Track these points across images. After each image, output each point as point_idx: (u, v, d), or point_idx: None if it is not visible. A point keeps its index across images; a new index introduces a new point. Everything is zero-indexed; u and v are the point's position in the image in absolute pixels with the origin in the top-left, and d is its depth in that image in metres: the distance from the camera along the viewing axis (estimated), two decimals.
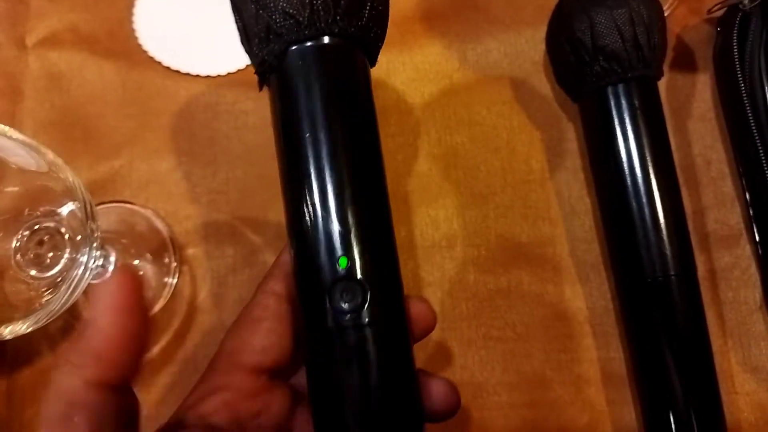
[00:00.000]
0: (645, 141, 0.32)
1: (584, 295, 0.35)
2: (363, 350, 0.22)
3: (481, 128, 0.37)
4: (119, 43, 0.40)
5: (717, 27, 0.37)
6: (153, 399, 0.35)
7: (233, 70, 0.38)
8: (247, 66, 0.39)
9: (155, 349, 0.35)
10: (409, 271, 0.36)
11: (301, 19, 0.23)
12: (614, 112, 0.32)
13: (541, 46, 0.37)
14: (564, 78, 0.35)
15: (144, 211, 0.37)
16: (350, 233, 0.22)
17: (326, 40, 0.24)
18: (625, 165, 0.32)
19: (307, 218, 0.23)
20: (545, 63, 0.38)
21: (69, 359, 0.19)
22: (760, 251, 0.34)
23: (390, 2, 0.40)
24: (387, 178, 0.36)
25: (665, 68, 0.37)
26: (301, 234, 0.23)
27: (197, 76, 0.39)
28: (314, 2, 0.23)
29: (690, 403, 0.31)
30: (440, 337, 0.35)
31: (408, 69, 0.38)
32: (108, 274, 0.35)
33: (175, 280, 0.36)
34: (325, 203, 0.23)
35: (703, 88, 0.37)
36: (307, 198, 0.23)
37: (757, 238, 0.35)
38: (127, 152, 0.38)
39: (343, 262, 0.22)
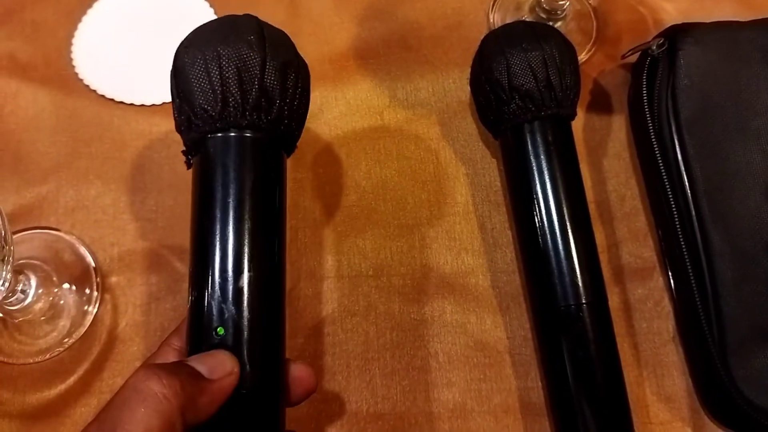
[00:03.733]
0: (557, 174, 0.33)
1: (504, 325, 0.35)
2: (233, 413, 0.24)
3: (409, 162, 0.38)
4: (56, 72, 0.40)
5: (631, 72, 0.40)
6: (68, 431, 0.33)
7: (168, 100, 0.39)
8: None
9: (72, 379, 0.34)
10: (335, 301, 0.36)
11: (214, 113, 0.26)
12: (529, 148, 0.34)
13: (467, 86, 0.39)
14: (485, 116, 0.36)
15: (68, 237, 0.36)
16: (238, 309, 0.25)
17: (236, 132, 0.26)
18: (540, 196, 0.33)
19: (200, 284, 0.25)
20: (470, 102, 0.39)
21: None
22: (672, 284, 0.36)
23: (325, 40, 0.42)
24: (317, 210, 0.37)
25: (583, 110, 0.39)
26: (195, 294, 0.25)
27: (131, 105, 0.39)
28: (226, 99, 0.26)
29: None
30: (364, 368, 0.35)
31: (340, 104, 0.40)
32: (28, 300, 0.35)
33: (96, 309, 0.35)
34: (218, 275, 0.25)
35: (618, 128, 0.39)
36: (203, 267, 0.25)
37: (669, 272, 0.36)
38: (55, 178, 0.38)
39: (220, 331, 0.25)
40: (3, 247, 0.28)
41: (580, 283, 0.32)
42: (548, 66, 0.34)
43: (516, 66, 0.34)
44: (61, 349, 0.34)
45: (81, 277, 0.36)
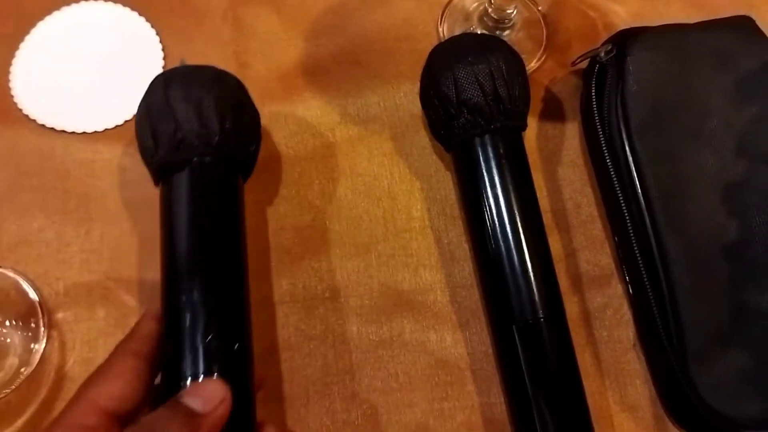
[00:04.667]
0: (510, 187, 0.33)
1: (464, 341, 0.35)
2: None
3: (363, 179, 0.38)
4: None
5: (582, 78, 0.40)
6: None
7: (111, 126, 0.38)
8: (126, 122, 0.38)
9: (20, 422, 0.33)
10: (291, 326, 0.35)
11: (178, 144, 0.29)
12: (481, 161, 0.33)
13: (418, 100, 0.38)
14: (436, 130, 0.36)
15: (11, 274, 0.35)
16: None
17: (199, 159, 0.30)
18: (493, 211, 0.33)
19: (174, 305, 0.28)
20: (422, 115, 0.39)
21: None
22: (630, 291, 0.36)
23: (273, 58, 0.41)
24: (269, 232, 0.37)
25: (536, 118, 0.39)
26: (169, 317, 0.28)
27: (73, 133, 0.38)
28: (190, 132, 0.29)
29: None
30: (323, 393, 0.34)
31: (290, 122, 0.39)
32: None
33: (43, 347, 0.34)
34: (188, 299, 0.27)
35: (571, 135, 0.39)
36: (174, 289, 0.28)
37: (627, 279, 0.36)
38: None
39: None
40: None
41: (537, 298, 0.32)
42: (495, 78, 0.33)
43: (463, 79, 0.33)
44: (8, 390, 0.33)
45: (26, 313, 0.35)
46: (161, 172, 0.30)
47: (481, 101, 0.33)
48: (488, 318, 0.34)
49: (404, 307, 0.35)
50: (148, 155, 0.31)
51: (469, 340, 0.35)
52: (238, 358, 0.27)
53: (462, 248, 0.36)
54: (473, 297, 0.36)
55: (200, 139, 0.30)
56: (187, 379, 0.26)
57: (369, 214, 0.37)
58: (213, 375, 0.26)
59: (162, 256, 0.29)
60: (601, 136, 0.36)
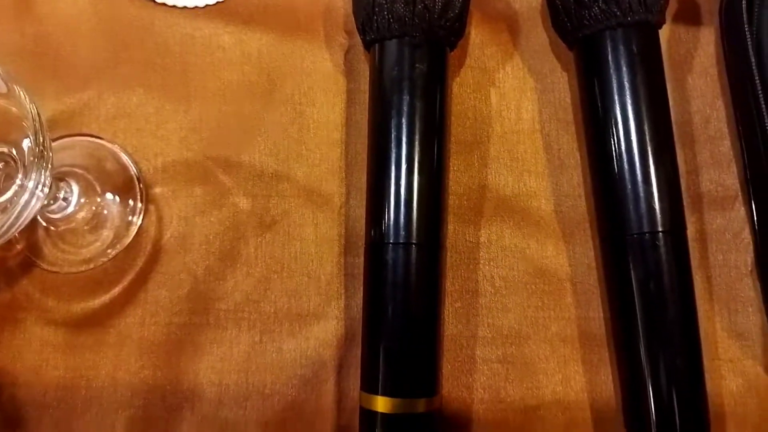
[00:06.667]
0: (641, 90, 0.30)
1: (567, 252, 0.33)
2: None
3: (472, 71, 0.35)
4: None
5: None
6: (112, 341, 0.33)
7: (212, 2, 0.36)
8: None
9: (116, 290, 0.34)
10: None
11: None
12: (611, 59, 0.30)
13: None
14: (560, 22, 0.33)
15: (111, 146, 0.35)
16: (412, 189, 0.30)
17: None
18: (619, 113, 0.30)
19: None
20: (541, 8, 0.35)
21: None
22: (754, 215, 0.33)
23: None
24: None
25: (668, 18, 0.35)
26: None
27: (173, 6, 0.36)
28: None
29: (670, 370, 0.29)
30: None
31: None
32: (70, 209, 0.34)
33: (141, 220, 0.34)
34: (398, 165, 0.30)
35: (706, 42, 0.35)
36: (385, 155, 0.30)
37: (752, 202, 0.33)
38: (96, 84, 0.36)
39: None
40: (42, 152, 0.27)
41: (658, 210, 0.29)
42: None
43: None
44: (105, 259, 0.34)
45: (124, 187, 0.35)
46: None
47: None
48: (599, 228, 0.32)
49: (505, 212, 0.34)
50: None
51: (572, 251, 0.33)
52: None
53: (573, 156, 0.34)
54: (580, 208, 0.34)
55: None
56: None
57: (475, 111, 0.35)
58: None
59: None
60: (749, 43, 0.32)
